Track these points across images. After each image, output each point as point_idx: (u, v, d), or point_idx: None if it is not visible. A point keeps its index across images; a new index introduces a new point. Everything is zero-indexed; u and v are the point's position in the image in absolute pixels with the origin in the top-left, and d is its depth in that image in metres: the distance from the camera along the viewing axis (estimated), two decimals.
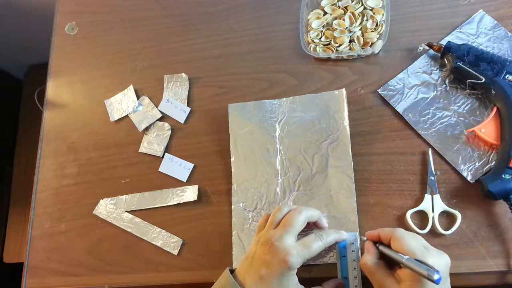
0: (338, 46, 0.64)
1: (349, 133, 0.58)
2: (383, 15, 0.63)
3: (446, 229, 0.52)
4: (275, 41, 0.67)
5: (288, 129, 0.61)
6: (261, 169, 0.60)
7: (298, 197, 0.58)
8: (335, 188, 0.57)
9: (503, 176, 0.50)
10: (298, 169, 0.59)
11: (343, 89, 0.60)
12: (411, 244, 0.44)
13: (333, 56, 0.63)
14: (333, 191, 0.57)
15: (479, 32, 0.61)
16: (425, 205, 0.54)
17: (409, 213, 0.54)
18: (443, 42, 0.60)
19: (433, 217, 0.53)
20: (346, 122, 0.59)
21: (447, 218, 0.54)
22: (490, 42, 0.60)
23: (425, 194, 0.54)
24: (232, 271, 0.49)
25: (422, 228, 0.53)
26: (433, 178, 0.55)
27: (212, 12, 0.72)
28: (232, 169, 0.61)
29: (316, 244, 0.48)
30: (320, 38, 0.65)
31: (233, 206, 0.60)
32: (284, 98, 0.62)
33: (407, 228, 0.53)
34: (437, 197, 0.54)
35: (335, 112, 0.60)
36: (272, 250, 0.46)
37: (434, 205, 0.53)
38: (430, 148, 0.56)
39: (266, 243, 0.47)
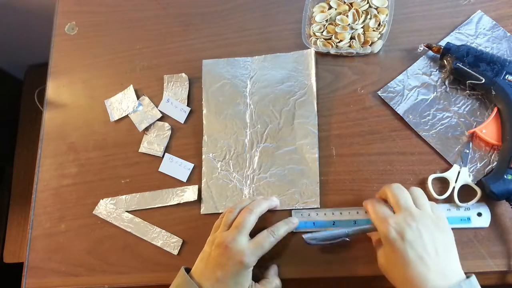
0: (339, 42, 0.64)
1: (315, 89, 0.62)
2: (386, 15, 0.63)
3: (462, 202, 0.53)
4: (275, 41, 0.67)
5: (259, 85, 0.64)
6: (231, 122, 0.63)
7: (265, 149, 0.61)
8: (300, 141, 0.60)
9: (505, 176, 0.51)
10: (266, 123, 0.62)
11: (312, 49, 0.64)
12: (398, 197, 0.48)
13: (332, 51, 0.63)
14: (298, 143, 0.60)
15: (477, 32, 0.61)
16: (451, 173, 0.54)
17: (431, 178, 0.55)
18: (442, 43, 0.60)
19: (453, 187, 0.53)
20: (313, 80, 0.62)
21: (466, 195, 0.53)
22: (489, 42, 0.60)
23: (455, 164, 0.55)
24: (187, 271, 0.51)
25: (440, 194, 0.54)
26: (467, 151, 0.55)
27: (212, 12, 0.72)
28: (204, 121, 0.64)
29: (268, 241, 0.51)
30: (322, 32, 0.65)
31: (203, 156, 0.62)
32: (256, 56, 0.66)
33: (424, 190, 0.52)
34: (465, 170, 0.54)
35: (304, 70, 0.64)
36: (227, 253, 0.48)
37: (459, 176, 0.54)
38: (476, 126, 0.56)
39: (221, 245, 0.49)
